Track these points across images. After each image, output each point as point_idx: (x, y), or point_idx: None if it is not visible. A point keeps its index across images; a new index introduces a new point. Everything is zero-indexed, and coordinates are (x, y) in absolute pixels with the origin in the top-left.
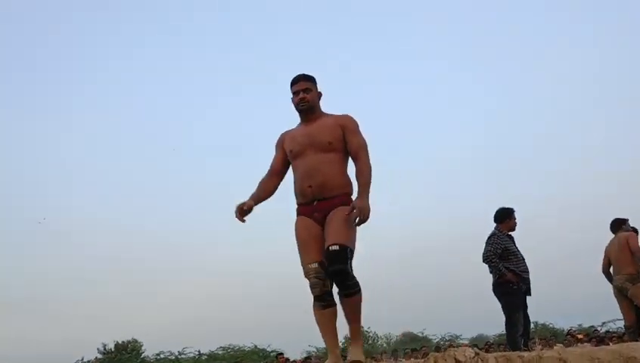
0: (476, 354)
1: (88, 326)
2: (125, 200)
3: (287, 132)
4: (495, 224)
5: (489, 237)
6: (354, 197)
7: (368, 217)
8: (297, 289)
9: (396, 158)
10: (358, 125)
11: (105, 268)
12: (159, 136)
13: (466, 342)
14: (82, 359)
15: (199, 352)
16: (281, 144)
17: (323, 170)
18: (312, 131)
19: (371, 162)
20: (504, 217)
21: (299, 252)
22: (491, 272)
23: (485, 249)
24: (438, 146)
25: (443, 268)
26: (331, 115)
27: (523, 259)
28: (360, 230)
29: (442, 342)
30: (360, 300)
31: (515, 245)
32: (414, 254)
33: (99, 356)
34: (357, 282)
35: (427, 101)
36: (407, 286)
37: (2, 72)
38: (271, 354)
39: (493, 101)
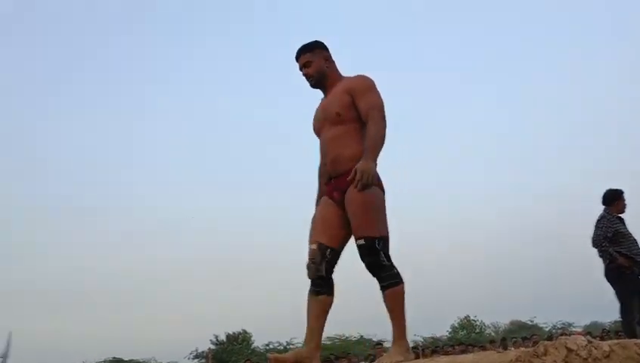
0: (589, 342)
1: (201, 319)
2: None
3: (316, 109)
4: (603, 207)
5: (598, 220)
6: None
7: (370, 181)
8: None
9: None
10: (369, 85)
11: (213, 263)
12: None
13: (579, 330)
14: (197, 350)
15: None
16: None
17: (334, 145)
18: (326, 103)
19: (384, 122)
20: (613, 199)
21: (310, 231)
22: (601, 257)
23: (594, 232)
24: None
25: (553, 255)
26: (345, 78)
27: (636, 242)
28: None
29: (553, 331)
30: (400, 293)
31: (626, 227)
32: (523, 243)
33: (212, 347)
34: (395, 273)
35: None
36: (514, 275)
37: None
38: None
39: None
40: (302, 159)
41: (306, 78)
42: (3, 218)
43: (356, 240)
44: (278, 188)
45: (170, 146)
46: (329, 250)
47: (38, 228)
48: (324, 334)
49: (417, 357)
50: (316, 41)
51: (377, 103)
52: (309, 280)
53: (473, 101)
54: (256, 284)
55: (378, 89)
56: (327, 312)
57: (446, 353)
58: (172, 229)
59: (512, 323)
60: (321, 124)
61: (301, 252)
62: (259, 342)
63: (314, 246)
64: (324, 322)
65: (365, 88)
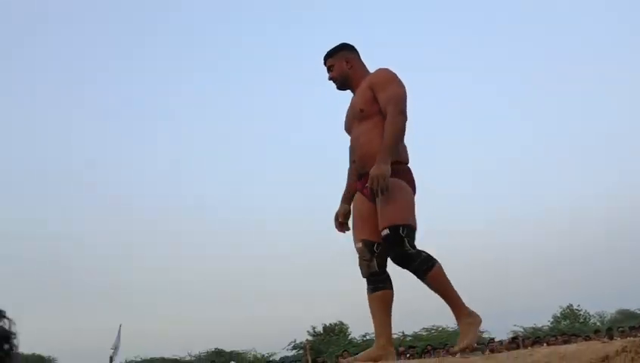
0: None
1: (298, 310)
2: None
3: None
4: None
5: None
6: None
7: (385, 184)
8: (498, 266)
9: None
10: (389, 77)
11: (309, 253)
12: None
13: None
14: (295, 341)
15: (403, 332)
16: None
17: (361, 142)
18: (353, 101)
19: (401, 116)
20: None
21: (352, 231)
22: None
23: None
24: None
25: None
26: (368, 75)
27: None
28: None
29: None
30: (439, 274)
31: None
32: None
33: (310, 338)
34: (426, 257)
35: None
36: (623, 257)
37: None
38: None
39: None
40: None
41: (331, 80)
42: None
43: (382, 231)
44: None
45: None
46: (376, 245)
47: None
48: (418, 326)
49: (517, 347)
50: (339, 44)
51: (395, 96)
52: (365, 280)
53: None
54: (353, 275)
55: (399, 80)
56: (389, 306)
57: (548, 344)
58: (260, 224)
59: (619, 312)
60: (350, 122)
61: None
62: (355, 333)
63: (359, 245)
64: (390, 317)
65: (383, 80)
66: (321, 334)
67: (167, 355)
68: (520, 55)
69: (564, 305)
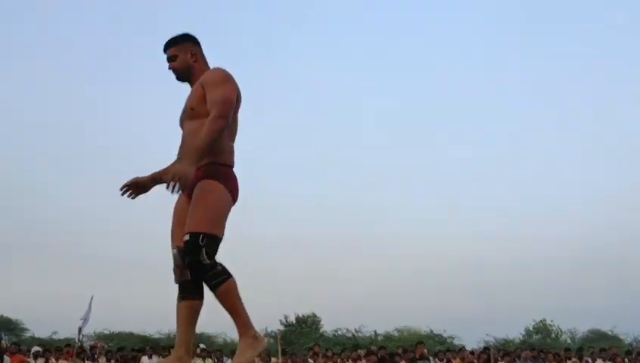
0: None
1: (272, 298)
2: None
3: None
4: None
5: None
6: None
7: (183, 185)
8: (478, 271)
9: None
10: (222, 78)
11: (289, 243)
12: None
13: None
14: (266, 329)
15: (375, 332)
16: None
17: (188, 141)
18: (187, 97)
19: (222, 120)
20: None
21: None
22: None
23: None
24: None
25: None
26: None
27: None
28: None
29: (634, 344)
30: (229, 289)
31: None
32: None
33: (281, 328)
34: (220, 270)
35: None
36: (600, 276)
37: None
38: (447, 340)
39: None
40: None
41: (172, 72)
42: None
43: (184, 235)
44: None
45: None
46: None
47: None
48: (391, 326)
49: (488, 359)
50: (184, 34)
51: (220, 99)
52: (176, 286)
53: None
54: (332, 269)
55: (231, 83)
56: (195, 317)
57: (517, 357)
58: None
59: (591, 331)
60: (182, 118)
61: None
62: (327, 327)
63: (174, 251)
64: (194, 327)
65: (215, 80)
66: (293, 325)
67: (137, 330)
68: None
69: (538, 319)
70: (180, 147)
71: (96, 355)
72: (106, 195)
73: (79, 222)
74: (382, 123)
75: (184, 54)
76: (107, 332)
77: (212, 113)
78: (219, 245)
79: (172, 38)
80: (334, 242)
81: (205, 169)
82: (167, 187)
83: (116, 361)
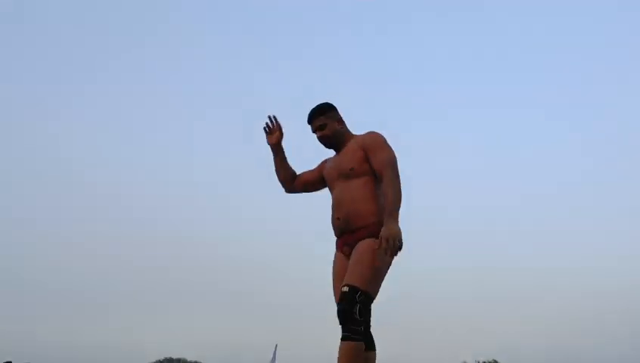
0: None
1: (449, 344)
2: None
3: (327, 159)
4: None
5: None
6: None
7: (399, 244)
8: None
9: None
10: (382, 141)
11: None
12: None
13: None
14: None
15: None
16: (320, 167)
17: (347, 200)
18: (339, 159)
19: (398, 179)
20: None
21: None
22: None
23: None
24: None
25: None
26: (358, 135)
27: None
28: None
29: None
30: (354, 349)
31: None
32: None
33: None
34: (361, 330)
35: None
36: None
37: None
38: None
39: None
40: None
41: (321, 140)
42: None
43: (342, 287)
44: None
45: None
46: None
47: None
48: None
49: None
50: (327, 104)
51: (391, 160)
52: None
53: None
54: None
55: (389, 144)
56: None
57: None
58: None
59: None
60: (333, 179)
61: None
62: None
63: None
64: None
65: (377, 143)
66: None
67: None
68: None
69: None
70: (336, 206)
71: None
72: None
73: (264, 271)
74: None
75: (331, 122)
76: None
77: (389, 174)
78: (371, 305)
79: (318, 108)
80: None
81: (370, 229)
82: (384, 251)
83: None
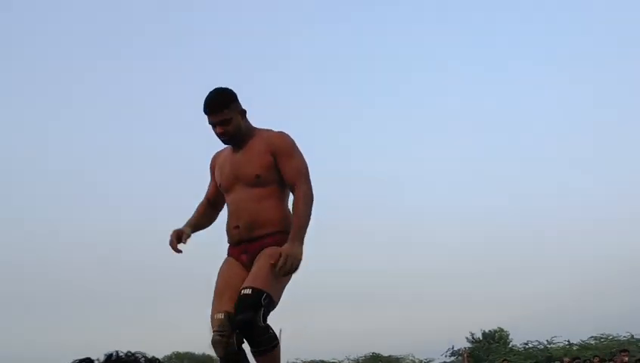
0: None
1: (455, 316)
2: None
3: (218, 154)
4: None
5: None
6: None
7: (296, 266)
8: None
9: None
10: (293, 146)
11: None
12: None
13: None
14: (452, 347)
15: (568, 341)
16: (212, 170)
17: (251, 208)
18: (239, 160)
19: (311, 192)
20: None
21: (213, 299)
22: None
23: None
24: None
25: None
26: (263, 133)
27: None
28: None
29: None
30: (274, 358)
31: None
32: None
33: (468, 345)
34: (271, 336)
35: None
36: None
37: None
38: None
39: None
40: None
41: (221, 136)
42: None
43: (243, 289)
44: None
45: None
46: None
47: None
48: (586, 334)
49: None
50: (230, 92)
51: (301, 170)
52: (218, 359)
53: None
54: (518, 282)
55: (299, 149)
56: None
57: None
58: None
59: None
60: (231, 182)
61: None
62: (516, 340)
63: (220, 316)
64: None
65: (289, 149)
66: (480, 341)
67: (326, 357)
68: None
69: None
70: (235, 214)
71: None
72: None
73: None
74: None
75: (236, 116)
76: (299, 361)
77: (304, 188)
78: (271, 312)
79: (220, 97)
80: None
81: (275, 238)
82: (277, 269)
83: None
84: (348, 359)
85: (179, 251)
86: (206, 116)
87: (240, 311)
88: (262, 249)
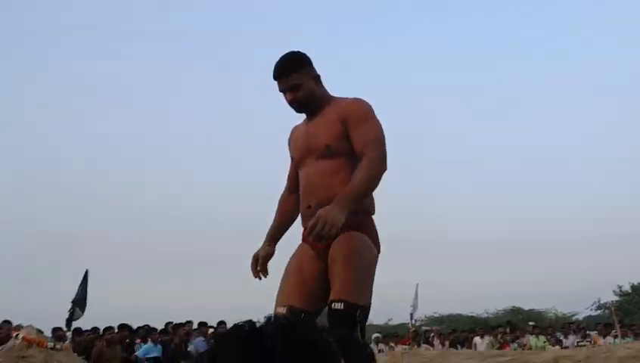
0: None
1: (604, 268)
2: None
3: (295, 128)
4: None
5: None
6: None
7: (331, 234)
8: None
9: None
10: (367, 112)
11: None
12: None
13: None
14: (599, 300)
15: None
16: (290, 147)
17: (322, 184)
18: (312, 130)
19: (380, 163)
20: None
21: (279, 291)
22: None
23: None
24: None
25: None
26: (339, 101)
27: None
28: None
29: None
30: None
31: None
32: None
33: (615, 298)
34: (370, 353)
35: None
36: None
37: None
38: None
39: None
40: None
41: (292, 104)
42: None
43: (333, 302)
44: None
45: None
46: (303, 316)
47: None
48: None
49: None
50: (302, 56)
51: (375, 138)
52: None
53: None
54: None
55: (377, 117)
56: None
57: None
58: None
59: None
60: (305, 154)
61: None
62: None
63: (282, 310)
64: None
65: (361, 117)
66: (629, 294)
67: (464, 311)
68: None
69: None
70: (307, 190)
71: (430, 339)
72: None
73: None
74: None
75: (307, 81)
76: (436, 315)
77: (371, 154)
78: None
79: (291, 61)
80: None
81: (352, 220)
82: (309, 235)
83: (450, 342)
84: (487, 313)
85: (260, 278)
86: (275, 83)
87: (337, 326)
88: (337, 235)
